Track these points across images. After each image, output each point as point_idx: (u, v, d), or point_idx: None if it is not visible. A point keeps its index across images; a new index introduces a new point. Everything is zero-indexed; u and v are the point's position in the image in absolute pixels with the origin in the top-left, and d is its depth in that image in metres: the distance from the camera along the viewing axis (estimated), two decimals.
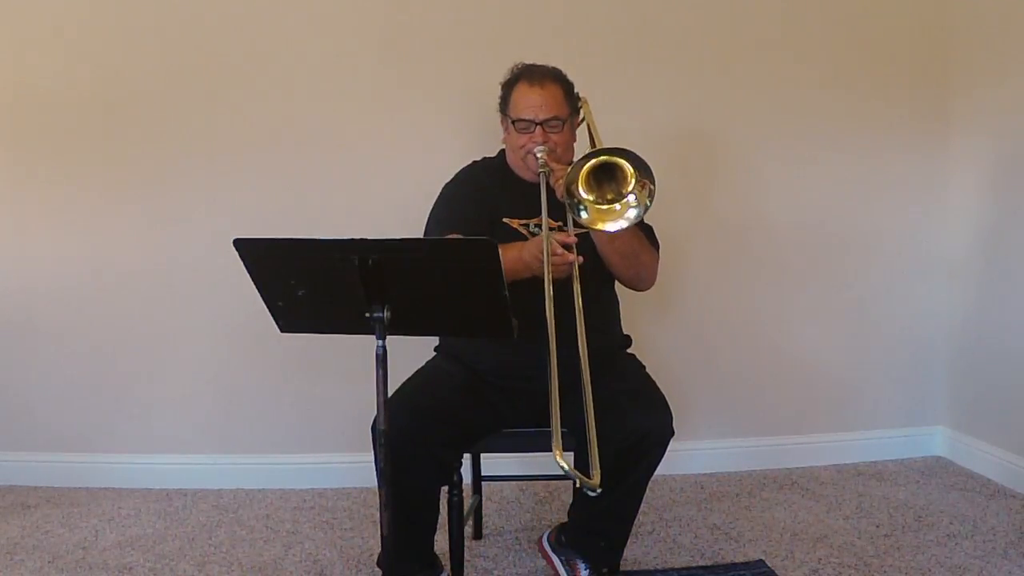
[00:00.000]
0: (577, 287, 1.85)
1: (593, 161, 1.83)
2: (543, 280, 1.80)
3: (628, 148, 1.80)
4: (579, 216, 1.87)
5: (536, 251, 1.87)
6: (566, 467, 1.58)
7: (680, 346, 2.93)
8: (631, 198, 1.85)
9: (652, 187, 1.82)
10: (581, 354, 1.78)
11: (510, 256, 1.87)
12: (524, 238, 2.02)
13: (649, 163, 1.80)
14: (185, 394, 2.89)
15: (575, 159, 1.97)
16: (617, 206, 1.86)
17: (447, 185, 2.18)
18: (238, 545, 2.43)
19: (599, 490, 1.62)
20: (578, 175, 1.84)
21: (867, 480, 2.86)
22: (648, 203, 1.83)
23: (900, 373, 3.08)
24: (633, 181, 1.83)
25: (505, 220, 2.06)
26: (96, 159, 2.81)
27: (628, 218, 1.86)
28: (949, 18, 2.95)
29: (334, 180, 2.83)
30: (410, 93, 2.80)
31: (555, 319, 1.78)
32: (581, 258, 1.85)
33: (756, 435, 3.01)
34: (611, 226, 1.87)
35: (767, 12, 2.89)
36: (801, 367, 3.02)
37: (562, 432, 1.98)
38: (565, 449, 1.99)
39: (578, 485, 1.63)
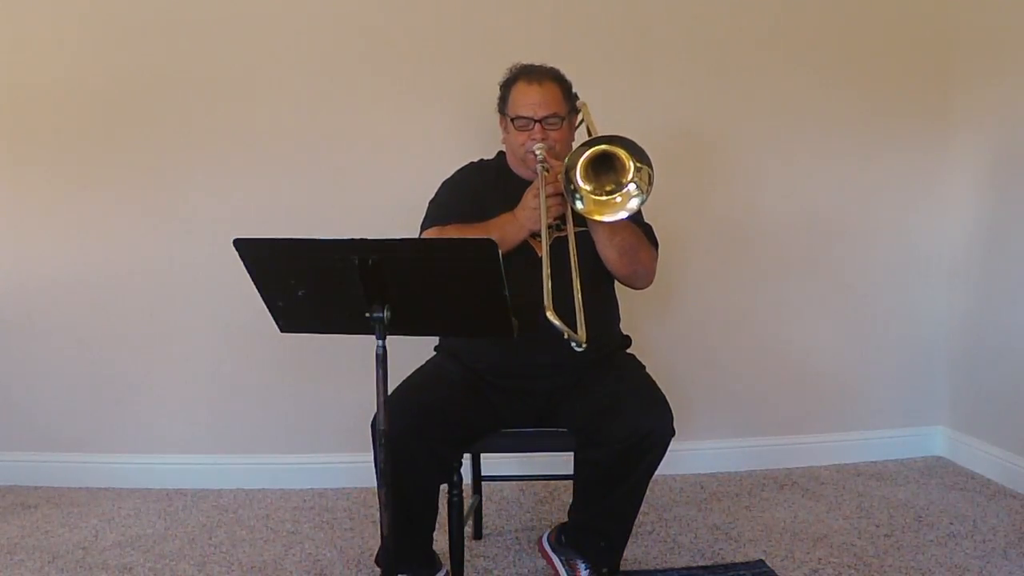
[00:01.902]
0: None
1: (591, 151, 1.83)
2: (537, 274, 1.80)
3: (626, 136, 1.81)
4: (575, 205, 1.87)
5: (527, 201, 1.95)
6: (557, 322, 1.70)
7: (680, 346, 2.93)
8: (631, 187, 1.85)
9: (651, 172, 1.82)
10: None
11: (502, 220, 1.96)
12: None
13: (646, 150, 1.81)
14: (185, 394, 2.89)
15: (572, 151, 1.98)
16: (618, 197, 1.86)
17: (443, 183, 2.20)
18: (238, 545, 2.43)
19: (584, 345, 1.74)
20: (577, 162, 1.84)
21: (867, 480, 2.87)
22: (649, 189, 1.83)
23: (900, 373, 3.08)
24: (632, 169, 1.84)
25: None
26: (96, 160, 2.81)
27: (630, 208, 1.86)
28: (949, 17, 2.95)
29: (334, 180, 2.83)
30: (410, 94, 2.80)
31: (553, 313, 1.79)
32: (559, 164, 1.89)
33: (756, 435, 3.01)
34: (610, 217, 1.87)
35: (766, 11, 2.89)
36: (801, 367, 3.02)
37: (562, 431, 2.00)
38: (565, 449, 2.00)
39: (566, 337, 1.72)
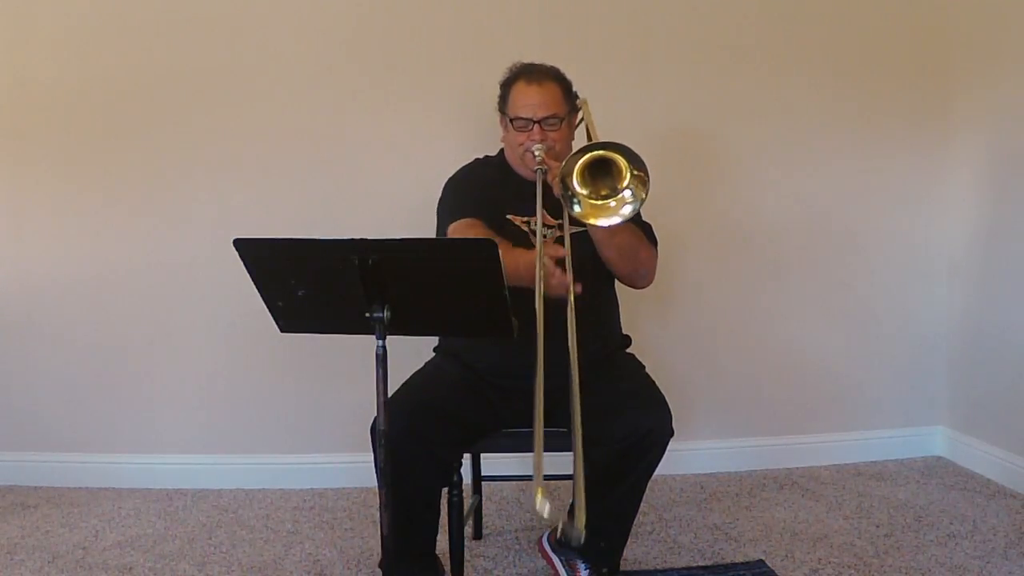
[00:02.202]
0: (572, 298, 1.82)
1: (588, 156, 1.82)
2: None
3: (623, 143, 1.80)
4: (572, 209, 1.87)
5: (531, 268, 1.81)
6: (546, 515, 1.42)
7: (680, 346, 2.93)
8: (626, 193, 1.84)
9: (647, 182, 1.82)
10: (572, 361, 1.71)
11: (508, 263, 1.89)
12: (527, 236, 2.03)
13: (645, 160, 1.80)
14: (185, 394, 2.89)
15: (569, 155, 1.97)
16: (612, 202, 1.86)
17: (452, 179, 2.18)
18: (238, 545, 2.43)
19: (583, 539, 1.52)
20: (573, 168, 1.83)
21: (867, 480, 2.87)
22: (643, 197, 1.83)
23: (900, 373, 3.08)
24: (628, 176, 1.83)
25: (509, 217, 2.06)
26: (96, 159, 2.82)
27: (623, 214, 1.85)
28: (949, 18, 2.95)
29: (334, 180, 2.83)
30: (410, 93, 2.80)
31: (552, 324, 1.76)
32: (579, 288, 1.79)
33: (756, 435, 3.01)
34: (604, 221, 1.86)
35: (766, 11, 2.89)
36: (801, 367, 3.02)
37: (562, 431, 1.99)
38: (565, 449, 1.99)
39: (559, 535, 1.54)
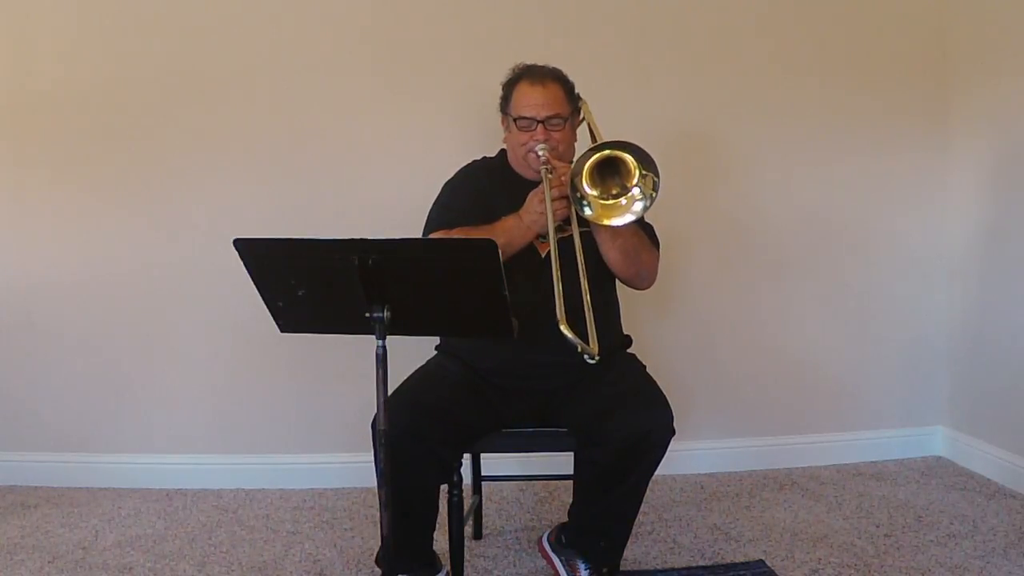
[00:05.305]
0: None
1: (597, 156, 1.83)
2: (539, 274, 1.80)
3: (630, 141, 1.81)
4: (583, 212, 1.87)
5: (532, 205, 1.93)
6: (571, 336, 1.69)
7: (680, 346, 2.93)
8: (636, 191, 1.85)
9: (656, 179, 1.82)
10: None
11: (508, 224, 1.94)
12: None
13: (652, 155, 1.80)
14: (185, 394, 2.89)
15: (576, 157, 1.97)
16: (623, 200, 1.86)
17: (446, 184, 2.18)
18: (238, 545, 2.43)
19: (597, 357, 1.74)
20: (583, 168, 1.84)
21: (867, 480, 2.86)
22: (654, 195, 1.83)
23: (900, 373, 3.08)
24: (637, 174, 1.83)
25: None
26: (96, 159, 2.82)
27: (635, 211, 1.86)
28: (949, 18, 2.95)
29: (333, 180, 2.83)
30: (409, 93, 2.81)
31: (551, 325, 1.77)
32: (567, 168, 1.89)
33: (756, 435, 3.01)
34: (617, 220, 1.87)
35: (767, 13, 2.89)
36: (801, 367, 3.02)
37: (562, 431, 2.00)
38: (565, 449, 2.00)
39: (580, 351, 1.71)
